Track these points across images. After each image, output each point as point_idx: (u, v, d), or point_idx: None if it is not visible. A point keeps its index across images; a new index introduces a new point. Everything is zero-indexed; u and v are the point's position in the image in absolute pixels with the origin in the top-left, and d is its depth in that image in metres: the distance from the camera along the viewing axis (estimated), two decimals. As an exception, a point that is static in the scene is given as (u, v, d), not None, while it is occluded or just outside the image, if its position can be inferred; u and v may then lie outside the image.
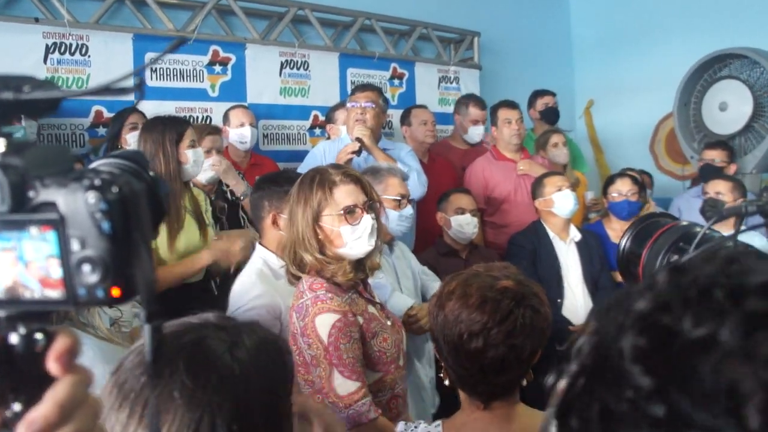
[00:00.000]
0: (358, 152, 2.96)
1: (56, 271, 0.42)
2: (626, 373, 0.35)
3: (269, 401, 0.77)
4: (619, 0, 5.56)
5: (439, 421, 1.31)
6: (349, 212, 1.67)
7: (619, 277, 3.07)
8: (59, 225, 0.41)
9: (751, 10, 4.64)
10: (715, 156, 3.68)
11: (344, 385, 1.56)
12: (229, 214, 3.05)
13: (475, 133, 4.03)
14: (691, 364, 0.33)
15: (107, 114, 3.22)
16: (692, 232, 0.89)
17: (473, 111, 4.00)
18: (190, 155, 2.43)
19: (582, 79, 5.90)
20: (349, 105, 3.19)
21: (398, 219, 2.44)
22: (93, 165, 0.49)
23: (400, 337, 1.79)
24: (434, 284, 2.56)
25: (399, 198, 2.45)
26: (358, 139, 2.96)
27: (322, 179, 1.68)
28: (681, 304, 0.35)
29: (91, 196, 0.41)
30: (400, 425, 1.35)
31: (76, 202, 0.41)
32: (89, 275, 0.41)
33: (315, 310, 1.61)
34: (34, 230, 0.41)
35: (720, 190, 3.17)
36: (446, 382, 1.29)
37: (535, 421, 1.27)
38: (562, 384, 0.39)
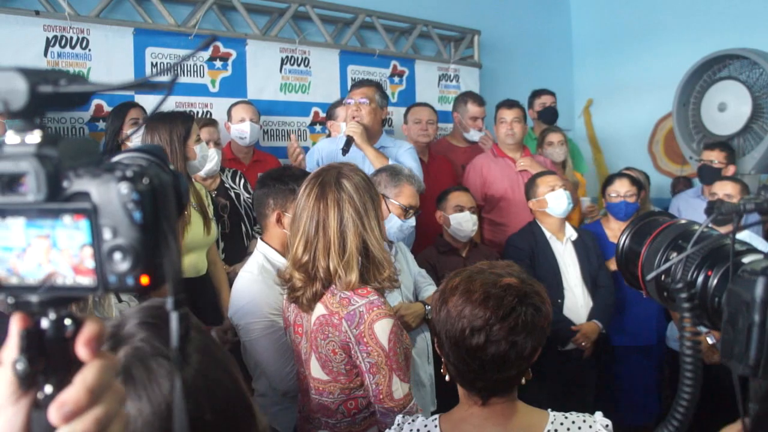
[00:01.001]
0: (346, 149, 2.97)
1: (88, 259, 0.43)
2: None
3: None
4: (620, 0, 5.58)
5: (436, 415, 1.32)
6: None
7: (612, 266, 3.06)
8: (92, 214, 0.42)
9: (751, 11, 4.66)
10: (714, 157, 3.68)
11: (401, 389, 1.60)
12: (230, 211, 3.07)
13: (476, 133, 4.05)
14: None
15: (107, 108, 3.22)
16: (691, 230, 0.89)
17: (472, 108, 4.01)
18: (197, 150, 2.44)
19: (581, 78, 5.92)
20: (345, 102, 3.21)
21: (398, 228, 2.45)
22: (117, 158, 0.50)
23: None
24: (428, 287, 2.55)
25: (407, 208, 2.46)
26: (349, 137, 2.97)
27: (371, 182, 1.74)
28: None
29: (124, 187, 0.42)
30: (398, 418, 1.35)
31: (109, 193, 0.42)
32: (120, 263, 0.43)
33: (371, 317, 1.59)
34: (67, 219, 0.43)
35: (729, 192, 3.16)
36: (446, 378, 1.30)
37: (533, 419, 1.27)
38: None
